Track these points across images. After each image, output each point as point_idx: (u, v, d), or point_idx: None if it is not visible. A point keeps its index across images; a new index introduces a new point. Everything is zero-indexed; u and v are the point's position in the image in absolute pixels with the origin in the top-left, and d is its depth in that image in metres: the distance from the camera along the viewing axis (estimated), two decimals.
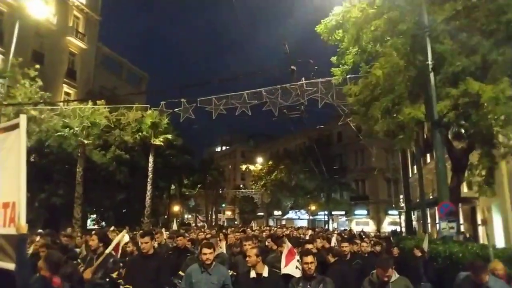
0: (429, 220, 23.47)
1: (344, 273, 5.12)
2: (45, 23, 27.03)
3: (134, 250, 6.64)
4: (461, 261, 6.62)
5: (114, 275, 4.89)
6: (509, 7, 8.57)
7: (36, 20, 25.34)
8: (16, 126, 3.87)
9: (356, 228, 39.31)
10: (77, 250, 7.40)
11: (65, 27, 29.56)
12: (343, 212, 44.32)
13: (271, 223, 51.67)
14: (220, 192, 57.06)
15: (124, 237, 5.79)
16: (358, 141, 42.94)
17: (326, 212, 42.43)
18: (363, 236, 15.51)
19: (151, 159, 24.32)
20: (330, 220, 42.62)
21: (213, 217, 55.97)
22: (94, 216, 26.57)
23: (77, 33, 30.78)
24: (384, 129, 10.49)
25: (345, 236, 10.93)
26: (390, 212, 40.78)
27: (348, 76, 13.16)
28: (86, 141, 18.65)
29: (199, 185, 42.42)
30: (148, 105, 17.03)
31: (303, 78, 14.41)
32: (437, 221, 29.44)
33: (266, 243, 7.21)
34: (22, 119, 3.85)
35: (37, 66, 19.96)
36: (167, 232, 11.81)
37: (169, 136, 25.23)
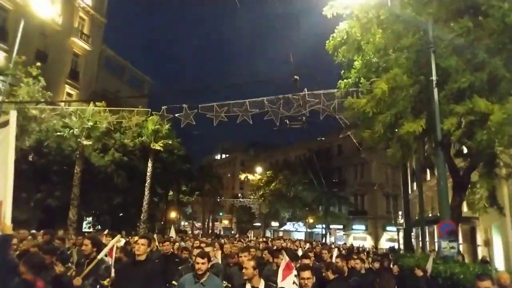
0: (427, 238, 23.21)
1: None
2: (50, 23, 27.16)
3: (122, 256, 6.48)
4: (462, 282, 6.44)
5: (105, 282, 4.70)
6: None
7: (41, 19, 25.50)
8: (6, 123, 3.71)
9: (353, 243, 38.92)
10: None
11: (70, 28, 29.67)
12: (341, 226, 43.96)
13: (268, 234, 51.23)
14: (218, 200, 56.70)
15: (119, 241, 5.54)
16: (358, 155, 43.02)
17: (324, 226, 42.07)
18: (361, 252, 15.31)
19: (150, 163, 24.17)
20: (328, 233, 42.23)
21: (210, 225, 55.51)
22: (90, 219, 26.23)
23: (81, 34, 30.89)
24: (383, 143, 10.38)
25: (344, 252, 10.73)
26: (388, 228, 40.42)
27: (350, 89, 13.12)
28: (85, 142, 18.49)
29: (197, 192, 42.12)
30: (150, 109, 16.89)
31: (305, 89, 14.34)
32: (435, 239, 29.27)
33: (263, 255, 7.03)
34: (12, 116, 3.70)
35: (39, 64, 19.96)
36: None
37: (170, 141, 25.13)
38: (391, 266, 8.93)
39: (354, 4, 12.11)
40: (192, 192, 40.20)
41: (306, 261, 5.39)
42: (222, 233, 55.39)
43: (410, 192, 29.74)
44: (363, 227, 43.79)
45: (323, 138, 36.08)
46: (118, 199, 27.60)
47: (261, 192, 46.42)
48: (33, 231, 13.37)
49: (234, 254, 6.43)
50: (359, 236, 43.80)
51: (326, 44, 12.62)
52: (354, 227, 44.25)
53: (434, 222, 26.78)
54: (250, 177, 50.67)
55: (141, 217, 23.87)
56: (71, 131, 18.14)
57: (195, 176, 38.84)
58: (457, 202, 10.27)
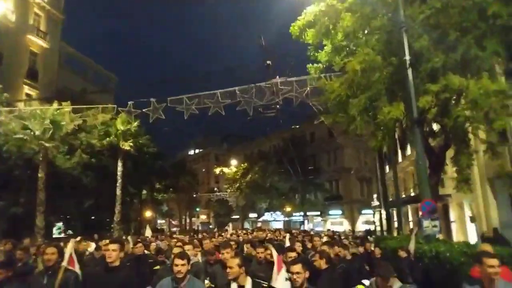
0: (402, 219, 23.69)
1: (334, 281, 4.68)
2: (2, 20, 25.44)
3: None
4: (449, 260, 6.37)
5: None
6: (488, 4, 8.52)
7: None
8: None
9: (331, 228, 39.44)
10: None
11: (25, 25, 27.93)
12: (318, 213, 44.42)
13: (246, 225, 51.14)
14: (194, 196, 55.95)
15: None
16: (331, 141, 43.48)
17: (302, 213, 42.36)
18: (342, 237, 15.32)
19: (120, 163, 23.30)
20: (306, 221, 42.58)
21: (187, 221, 54.78)
22: (61, 224, 25.06)
23: (38, 31, 29.15)
24: (362, 129, 10.26)
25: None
26: (363, 211, 41.19)
27: (323, 75, 12.91)
28: (47, 144, 17.42)
29: (171, 189, 41.26)
30: (115, 105, 16.07)
31: (278, 77, 14.02)
32: (410, 219, 29.96)
33: (245, 249, 6.71)
34: None
35: None
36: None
37: (140, 140, 24.29)
38: (373, 249, 8.85)
39: None
40: (167, 189, 39.36)
41: (292, 254, 5.08)
42: (200, 228, 54.81)
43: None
44: (339, 211, 44.43)
45: (297, 126, 36.08)
46: (89, 202, 26.55)
47: (237, 184, 46.14)
48: None
49: (215, 251, 6.06)
50: (336, 221, 44.42)
51: (291, 27, 12.31)
52: (330, 212, 44.82)
53: (408, 202, 27.58)
54: (226, 170, 50.23)
55: (114, 218, 22.98)
56: (32, 133, 17.04)
57: (168, 173, 37.99)
58: (435, 180, 10.33)
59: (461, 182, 9.84)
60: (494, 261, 3.37)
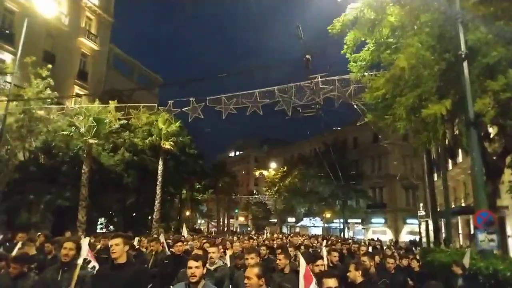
0: (452, 230, 22.08)
1: None
2: (56, 23, 26.86)
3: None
4: (509, 280, 5.54)
5: None
6: None
7: (47, 20, 25.20)
8: None
9: (373, 237, 37.87)
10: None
11: (77, 28, 29.34)
12: (359, 220, 42.84)
13: (284, 230, 50.48)
14: (233, 197, 56.16)
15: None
16: (376, 146, 41.80)
17: (342, 220, 41.05)
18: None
19: (160, 162, 23.67)
20: (346, 228, 41.21)
21: (226, 222, 55.05)
22: (103, 220, 25.92)
23: (89, 34, 30.53)
24: (407, 128, 9.46)
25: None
26: (408, 221, 39.16)
27: (366, 74, 12.16)
28: (91, 141, 17.99)
29: (211, 190, 41.59)
30: (156, 104, 16.29)
31: (319, 76, 13.45)
32: (460, 231, 27.98)
33: (261, 251, 6.24)
34: None
35: (50, 66, 19.63)
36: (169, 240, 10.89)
37: (181, 138, 24.58)
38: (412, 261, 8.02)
39: None
40: (206, 190, 39.73)
41: (320, 262, 4.53)
42: (238, 230, 54.88)
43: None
44: (382, 220, 42.58)
45: (338, 128, 34.99)
46: (131, 199, 27.27)
47: (276, 188, 45.65)
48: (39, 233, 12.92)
49: (244, 254, 5.64)
50: (378, 230, 42.62)
51: (332, 24, 11.62)
52: (373, 220, 43.07)
53: (459, 213, 25.74)
54: (265, 173, 49.93)
55: (154, 216, 23.35)
56: (77, 129, 17.69)
57: (208, 174, 38.29)
58: (491, 189, 9.29)
59: None
60: None
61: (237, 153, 76.45)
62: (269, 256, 6.60)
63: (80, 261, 4.03)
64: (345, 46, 12.22)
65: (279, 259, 4.86)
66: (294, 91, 13.92)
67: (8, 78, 18.86)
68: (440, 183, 20.01)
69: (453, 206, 25.05)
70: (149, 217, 25.90)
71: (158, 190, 23.45)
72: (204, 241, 8.69)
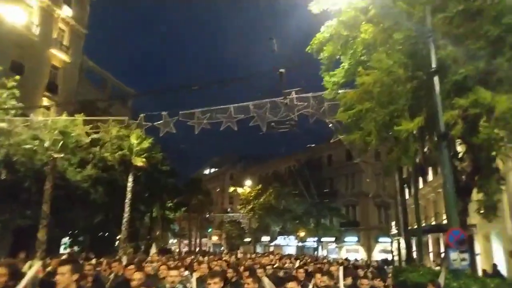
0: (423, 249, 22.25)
1: None
2: (26, 33, 26.01)
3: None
4: None
5: None
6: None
7: (17, 29, 24.38)
8: None
9: (346, 256, 37.82)
10: None
11: (48, 39, 28.48)
12: (333, 239, 42.78)
13: (258, 249, 49.73)
14: (207, 216, 55.08)
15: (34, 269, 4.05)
16: (349, 164, 42.26)
17: (316, 239, 40.86)
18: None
19: (130, 178, 22.89)
20: (320, 247, 41.01)
21: (198, 241, 53.72)
22: (67, 239, 24.59)
23: (61, 45, 29.70)
24: (378, 145, 9.48)
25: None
26: (380, 239, 39.41)
27: (340, 91, 12.25)
28: (56, 155, 17.13)
29: (183, 208, 40.58)
30: (126, 117, 15.75)
31: (293, 92, 13.44)
32: (430, 249, 28.30)
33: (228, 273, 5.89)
34: None
35: (17, 77, 18.75)
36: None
37: (153, 155, 23.91)
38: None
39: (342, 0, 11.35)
40: (178, 208, 38.74)
41: (291, 284, 4.23)
42: (211, 249, 53.60)
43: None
44: (355, 238, 42.70)
45: (312, 145, 35.24)
46: (99, 217, 26.08)
47: (251, 206, 45.16)
48: None
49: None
50: (351, 248, 42.64)
51: (310, 43, 11.74)
52: (346, 239, 43.12)
53: (429, 232, 26.06)
54: (239, 190, 49.41)
55: (121, 235, 22.35)
56: (42, 143, 16.82)
57: (181, 191, 37.39)
58: (462, 208, 9.35)
59: (488, 208, 8.83)
60: None
61: (213, 170, 75.55)
62: (238, 280, 6.21)
63: None
64: (322, 67, 12.37)
65: (247, 283, 4.54)
66: (269, 106, 13.81)
67: None
68: (412, 201, 20.27)
69: (423, 224, 25.38)
70: (118, 236, 24.81)
71: (127, 208, 22.56)
72: (170, 262, 8.18)
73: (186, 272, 8.13)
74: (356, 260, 28.05)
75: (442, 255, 21.31)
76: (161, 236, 42.92)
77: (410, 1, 9.60)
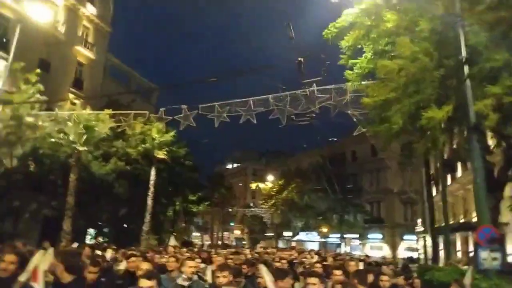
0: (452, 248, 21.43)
1: None
2: (53, 31, 26.63)
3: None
4: None
5: None
6: None
7: (43, 28, 24.95)
8: None
9: (370, 253, 37.08)
10: None
11: (74, 36, 29.11)
12: (356, 236, 42.05)
13: (280, 244, 49.57)
14: (230, 210, 55.35)
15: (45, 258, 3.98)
16: (374, 160, 41.35)
17: (339, 235, 40.31)
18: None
19: (153, 172, 23.16)
20: (343, 243, 40.42)
21: (220, 235, 54.10)
22: (92, 230, 25.21)
23: (86, 43, 30.32)
24: (403, 137, 9.02)
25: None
26: (406, 237, 38.46)
27: (363, 83, 11.78)
28: (80, 149, 17.50)
29: (206, 203, 40.85)
30: (147, 111, 15.86)
31: (314, 84, 13.08)
32: (458, 248, 27.33)
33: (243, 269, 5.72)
34: None
35: (38, 70, 19.29)
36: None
37: (173, 149, 24.12)
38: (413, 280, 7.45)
39: None
40: (201, 202, 39.02)
41: (312, 280, 3.97)
42: (234, 243, 53.89)
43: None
44: (379, 235, 41.85)
45: (335, 139, 34.60)
46: (123, 210, 26.58)
47: (273, 201, 44.99)
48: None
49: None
50: (375, 246, 41.85)
51: (328, 28, 11.24)
52: (370, 236, 42.35)
53: (457, 230, 25.10)
54: (261, 185, 49.30)
55: (144, 228, 22.69)
56: (66, 136, 17.20)
57: (203, 186, 37.64)
58: (493, 204, 8.81)
59: None
60: None
61: (235, 165, 75.83)
62: (254, 274, 6.02)
63: (22, 278, 3.47)
64: (343, 56, 11.91)
65: (261, 277, 4.34)
66: (289, 99, 13.51)
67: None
68: (439, 198, 19.51)
69: (451, 222, 24.48)
70: (141, 229, 25.20)
71: (149, 201, 22.86)
72: (186, 254, 8.11)
73: (203, 264, 8.07)
74: (383, 258, 27.39)
75: (471, 254, 20.49)
76: (184, 229, 43.41)
77: None
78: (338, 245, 40.44)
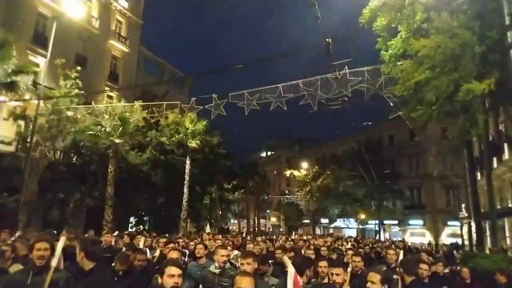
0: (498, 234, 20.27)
1: None
2: (87, 27, 27.50)
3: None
4: None
5: None
6: None
7: (78, 24, 25.79)
8: None
9: (411, 240, 36.11)
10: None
11: (107, 31, 29.94)
12: (395, 222, 40.91)
13: (318, 231, 49.32)
14: (265, 198, 55.59)
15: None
16: (412, 144, 39.81)
17: (377, 221, 39.41)
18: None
19: (188, 161, 23.56)
20: (382, 230, 39.49)
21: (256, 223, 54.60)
22: (132, 219, 26.18)
23: (119, 36, 31.08)
24: (440, 115, 8.43)
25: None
26: (449, 222, 36.94)
27: (399, 63, 11.16)
28: (117, 140, 18.07)
29: (241, 190, 41.28)
30: (178, 102, 16.03)
31: (346, 67, 12.58)
32: (506, 234, 25.92)
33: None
34: None
35: (78, 68, 20.04)
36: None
37: (206, 138, 24.38)
38: (459, 268, 7.04)
39: None
40: (235, 190, 39.50)
41: (336, 271, 3.78)
42: (271, 230, 54.23)
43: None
44: (420, 222, 40.47)
45: (369, 123, 33.49)
46: (161, 199, 27.39)
47: (308, 188, 44.62)
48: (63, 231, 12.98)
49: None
50: (416, 232, 40.56)
51: (362, 13, 10.72)
52: (410, 222, 41.04)
53: (505, 215, 23.70)
54: (296, 173, 48.99)
55: (181, 215, 23.24)
56: (103, 128, 17.82)
57: (237, 174, 37.94)
58: None
59: None
60: None
61: (269, 153, 75.89)
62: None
63: (54, 263, 3.57)
64: (379, 40, 11.31)
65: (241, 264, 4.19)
66: (320, 83, 13.12)
67: (40, 80, 19.37)
68: (484, 182, 18.42)
69: (498, 207, 23.15)
70: (178, 217, 25.88)
71: (186, 189, 23.33)
72: (218, 241, 8.14)
73: (236, 251, 8.08)
74: (429, 244, 26.55)
75: None
76: (221, 216, 44.17)
77: None
78: (377, 232, 39.58)
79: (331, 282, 3.87)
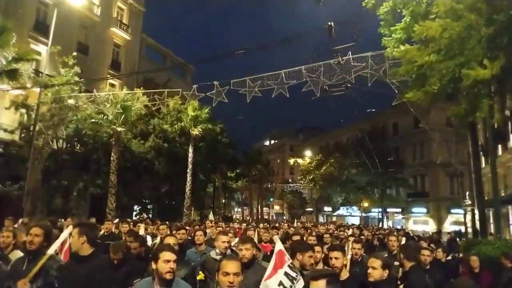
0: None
1: None
2: (89, 14, 27.24)
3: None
4: None
5: None
6: None
7: (80, 11, 25.56)
8: None
9: (414, 228, 36.18)
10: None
11: (109, 18, 29.67)
12: (399, 210, 40.92)
13: (321, 219, 49.48)
14: (269, 186, 55.76)
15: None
16: (416, 132, 39.52)
17: (380, 209, 39.43)
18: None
19: (190, 149, 23.54)
20: (385, 217, 39.53)
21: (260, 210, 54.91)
22: (136, 207, 26.32)
23: (121, 24, 30.81)
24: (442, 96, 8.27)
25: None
26: (453, 210, 36.89)
27: (403, 47, 10.95)
28: (119, 129, 18.04)
29: (244, 179, 41.34)
30: (180, 89, 15.90)
31: (349, 52, 12.39)
32: (510, 222, 25.85)
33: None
34: None
35: (75, 53, 19.89)
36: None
37: (209, 126, 24.30)
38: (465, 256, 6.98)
39: None
40: (239, 178, 39.57)
41: (310, 253, 3.78)
42: (274, 218, 54.52)
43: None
44: (424, 209, 40.45)
45: (373, 110, 33.26)
46: (165, 187, 27.50)
47: (311, 176, 44.61)
48: (69, 219, 13.05)
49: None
50: (420, 220, 40.59)
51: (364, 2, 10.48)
52: (413, 210, 41.03)
53: (509, 202, 23.59)
54: (299, 161, 48.95)
55: (184, 203, 23.33)
56: (105, 117, 17.77)
57: (240, 162, 37.93)
58: None
59: None
60: None
61: (273, 142, 75.89)
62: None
63: (50, 251, 3.54)
64: (382, 23, 11.08)
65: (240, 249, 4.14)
66: (323, 69, 12.94)
67: (42, 68, 19.29)
68: (488, 169, 18.28)
69: (502, 194, 23.04)
70: (182, 205, 26.01)
71: (189, 178, 23.37)
72: (219, 228, 8.13)
73: (237, 239, 8.07)
74: (437, 233, 26.48)
75: None
76: (225, 204, 44.37)
77: None
78: (380, 220, 39.64)
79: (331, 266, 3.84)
